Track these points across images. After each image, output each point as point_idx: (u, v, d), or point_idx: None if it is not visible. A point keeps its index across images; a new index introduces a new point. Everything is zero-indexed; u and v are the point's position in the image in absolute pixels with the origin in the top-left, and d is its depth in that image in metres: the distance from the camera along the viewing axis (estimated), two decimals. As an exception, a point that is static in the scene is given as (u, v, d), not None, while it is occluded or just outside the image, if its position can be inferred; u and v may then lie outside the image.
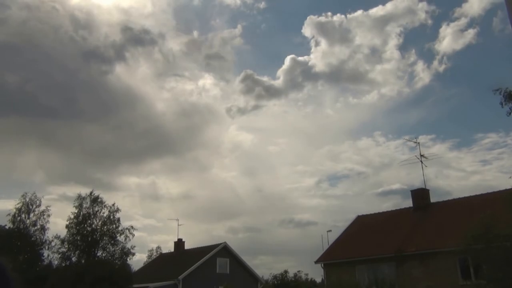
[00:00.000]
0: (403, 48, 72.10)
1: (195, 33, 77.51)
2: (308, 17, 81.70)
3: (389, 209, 27.23)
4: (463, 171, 63.28)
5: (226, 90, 74.23)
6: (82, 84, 58.73)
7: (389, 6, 72.92)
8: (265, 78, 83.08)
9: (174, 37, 76.33)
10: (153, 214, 73.55)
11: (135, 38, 65.97)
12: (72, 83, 58.38)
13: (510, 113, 12.49)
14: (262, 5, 77.30)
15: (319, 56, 69.41)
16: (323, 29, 65.49)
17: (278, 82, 71.15)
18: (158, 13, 73.92)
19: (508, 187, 16.52)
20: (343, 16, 76.30)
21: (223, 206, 65.51)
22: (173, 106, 68.93)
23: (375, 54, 67.92)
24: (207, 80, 74.83)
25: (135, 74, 65.78)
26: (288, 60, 75.04)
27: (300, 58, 77.84)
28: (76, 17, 63.20)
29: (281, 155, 72.99)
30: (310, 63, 69.39)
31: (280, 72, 78.07)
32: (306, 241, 65.61)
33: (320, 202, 70.27)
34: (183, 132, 67.54)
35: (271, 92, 71.71)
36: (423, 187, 24.82)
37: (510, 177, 15.34)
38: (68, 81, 57.26)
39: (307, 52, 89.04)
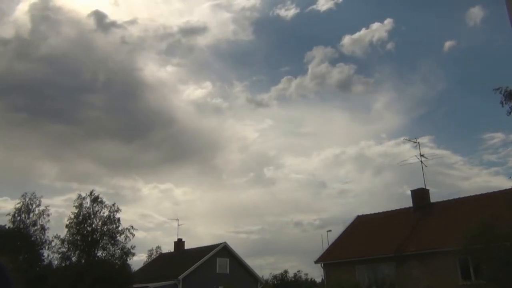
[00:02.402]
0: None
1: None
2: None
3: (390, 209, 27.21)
4: (466, 172, 63.37)
5: (234, 93, 75.27)
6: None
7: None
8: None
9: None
10: (167, 215, 76.51)
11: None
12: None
13: (510, 113, 12.48)
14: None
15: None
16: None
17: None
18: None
19: (508, 187, 16.54)
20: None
21: (234, 208, 67.71)
22: (189, 113, 70.71)
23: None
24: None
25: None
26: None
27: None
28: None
29: (290, 156, 73.89)
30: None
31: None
32: (313, 241, 66.37)
33: (328, 203, 70.51)
34: (199, 138, 69.60)
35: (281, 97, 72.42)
36: (423, 187, 24.83)
37: (510, 178, 15.42)
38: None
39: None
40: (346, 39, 72.98)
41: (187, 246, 40.39)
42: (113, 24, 71.14)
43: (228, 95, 75.63)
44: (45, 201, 69.94)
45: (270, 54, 79.88)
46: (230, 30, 72.58)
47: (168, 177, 75.84)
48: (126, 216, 66.70)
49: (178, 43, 70.04)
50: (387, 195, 60.46)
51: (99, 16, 66.81)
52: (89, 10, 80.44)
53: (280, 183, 70.34)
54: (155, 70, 70.88)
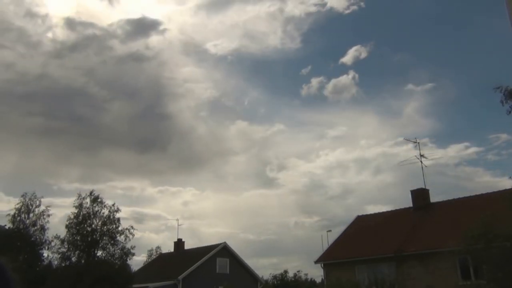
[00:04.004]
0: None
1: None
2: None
3: (389, 209, 27.23)
4: (469, 173, 63.41)
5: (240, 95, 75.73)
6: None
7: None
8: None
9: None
10: (176, 216, 78.38)
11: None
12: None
13: (510, 112, 12.46)
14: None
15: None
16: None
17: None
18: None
19: (508, 187, 16.53)
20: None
21: (239, 209, 69.05)
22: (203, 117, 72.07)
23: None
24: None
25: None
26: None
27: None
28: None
29: (295, 154, 74.21)
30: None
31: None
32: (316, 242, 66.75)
33: (333, 202, 70.60)
34: (211, 142, 70.60)
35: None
36: (423, 187, 24.82)
37: (510, 177, 15.41)
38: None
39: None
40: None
41: (194, 245, 40.65)
42: (143, 33, 71.40)
43: (239, 99, 76.78)
44: (57, 202, 72.50)
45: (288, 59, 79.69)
46: (250, 32, 72.83)
47: (178, 180, 78.36)
48: (135, 216, 68.41)
49: (203, 52, 71.16)
50: (393, 195, 60.68)
51: (128, 26, 67.49)
52: (118, 19, 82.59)
53: (286, 185, 71.05)
54: (181, 79, 71.83)
